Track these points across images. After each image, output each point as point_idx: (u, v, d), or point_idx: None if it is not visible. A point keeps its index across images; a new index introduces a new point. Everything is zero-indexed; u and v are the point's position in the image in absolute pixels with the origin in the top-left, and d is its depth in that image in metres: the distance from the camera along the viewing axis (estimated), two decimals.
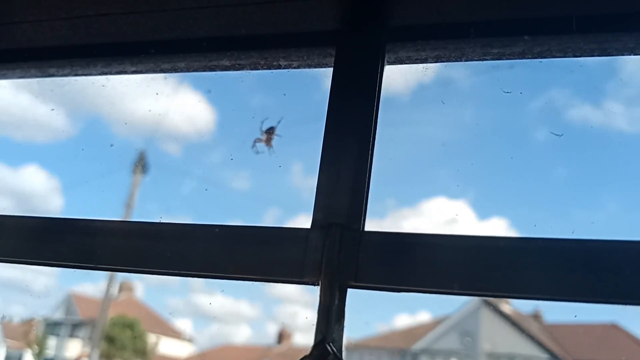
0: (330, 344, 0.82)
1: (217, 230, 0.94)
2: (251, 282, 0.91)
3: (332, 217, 0.89)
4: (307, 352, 0.83)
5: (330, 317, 0.84)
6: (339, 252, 0.86)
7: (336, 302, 0.84)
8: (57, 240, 1.03)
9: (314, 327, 0.84)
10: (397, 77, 0.97)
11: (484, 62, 0.95)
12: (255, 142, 1.11)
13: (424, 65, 1.00)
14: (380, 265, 0.85)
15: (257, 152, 1.11)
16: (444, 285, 0.81)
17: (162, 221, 0.99)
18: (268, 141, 1.11)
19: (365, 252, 0.86)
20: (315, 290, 0.87)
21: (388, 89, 0.95)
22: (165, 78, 1.13)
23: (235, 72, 1.10)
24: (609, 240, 0.77)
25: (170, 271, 0.95)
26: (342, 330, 0.84)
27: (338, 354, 0.82)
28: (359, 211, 0.89)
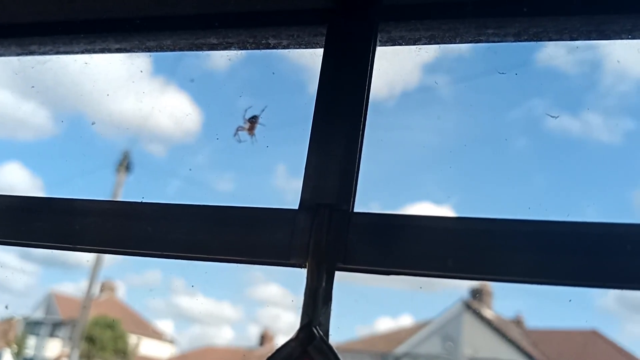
0: (317, 327, 0.80)
1: (201, 209, 0.91)
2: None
3: (321, 197, 0.87)
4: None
5: (317, 300, 0.81)
6: (327, 233, 0.84)
7: (323, 284, 0.82)
8: (35, 220, 0.99)
9: (300, 310, 0.81)
10: (390, 57, 0.95)
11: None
12: (237, 130, 1.08)
13: (418, 46, 0.98)
14: (369, 247, 0.82)
15: (240, 141, 1.08)
16: (435, 267, 0.79)
17: (144, 201, 0.96)
18: (251, 129, 1.08)
19: (354, 234, 0.83)
20: (302, 275, 0.84)
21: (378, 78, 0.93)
22: (150, 56, 1.09)
23: (223, 51, 1.07)
24: (603, 223, 0.75)
25: (153, 252, 0.92)
26: (329, 313, 0.81)
27: (324, 337, 0.80)
28: (349, 192, 0.86)
